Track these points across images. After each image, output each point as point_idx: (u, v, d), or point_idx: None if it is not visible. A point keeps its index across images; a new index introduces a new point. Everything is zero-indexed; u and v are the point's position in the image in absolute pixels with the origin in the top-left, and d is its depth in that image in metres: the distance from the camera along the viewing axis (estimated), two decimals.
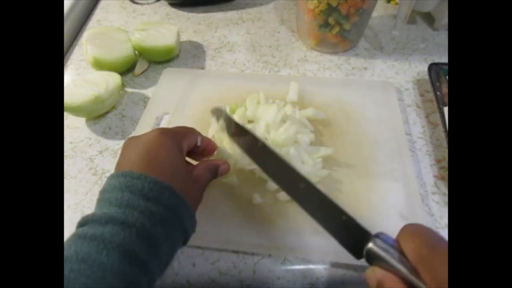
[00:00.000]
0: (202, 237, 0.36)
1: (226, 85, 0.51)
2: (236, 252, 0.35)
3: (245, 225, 0.36)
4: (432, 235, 0.23)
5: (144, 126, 0.46)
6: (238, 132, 0.36)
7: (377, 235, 0.25)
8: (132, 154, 0.29)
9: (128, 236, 0.24)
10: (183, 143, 0.32)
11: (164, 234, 0.26)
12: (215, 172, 0.35)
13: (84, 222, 0.26)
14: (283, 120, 0.42)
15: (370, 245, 0.25)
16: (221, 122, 0.37)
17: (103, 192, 0.28)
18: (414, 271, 0.22)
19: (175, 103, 0.49)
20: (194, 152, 0.36)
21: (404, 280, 0.23)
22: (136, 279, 0.24)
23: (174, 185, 0.28)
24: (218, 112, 0.38)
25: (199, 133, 0.36)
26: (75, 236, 0.24)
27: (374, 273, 0.24)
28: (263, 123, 0.42)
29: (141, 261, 0.24)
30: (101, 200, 0.27)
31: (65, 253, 0.23)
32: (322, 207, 0.29)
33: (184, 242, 0.29)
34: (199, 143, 0.35)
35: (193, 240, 0.35)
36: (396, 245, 0.24)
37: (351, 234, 0.27)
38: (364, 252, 0.25)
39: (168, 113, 0.48)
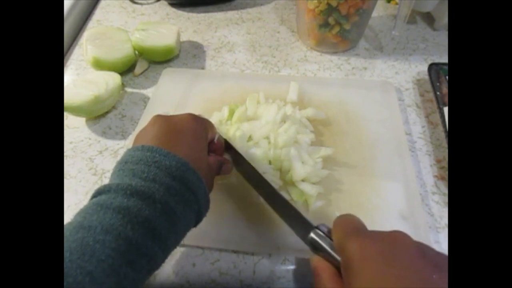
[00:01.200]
0: (202, 237, 0.36)
1: (226, 85, 0.51)
2: (236, 252, 0.35)
3: (245, 225, 0.36)
4: (352, 222, 0.26)
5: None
6: (228, 147, 0.38)
7: (318, 226, 0.28)
8: (160, 131, 0.30)
9: (153, 212, 0.24)
10: (208, 132, 0.33)
11: (184, 214, 0.27)
12: (219, 168, 0.35)
13: (103, 191, 0.25)
14: (283, 120, 0.42)
15: (311, 234, 0.27)
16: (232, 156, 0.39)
17: (124, 163, 0.27)
18: (338, 254, 0.25)
19: (175, 103, 0.49)
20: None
21: (335, 266, 0.25)
22: (155, 255, 0.24)
23: (196, 167, 0.28)
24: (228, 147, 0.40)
25: (217, 131, 0.36)
26: (96, 205, 0.24)
27: (313, 260, 0.26)
28: (263, 122, 0.42)
29: (162, 238, 0.24)
30: (122, 170, 0.27)
31: (85, 221, 0.23)
32: (283, 207, 0.32)
33: (195, 224, 0.30)
34: (215, 140, 0.36)
35: (193, 240, 0.35)
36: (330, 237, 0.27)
37: (300, 226, 0.30)
38: (308, 242, 0.28)
39: (168, 113, 0.47)
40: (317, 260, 0.26)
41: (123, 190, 0.25)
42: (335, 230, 0.26)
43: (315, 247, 0.27)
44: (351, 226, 0.25)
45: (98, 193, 0.26)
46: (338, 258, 0.25)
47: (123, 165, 0.27)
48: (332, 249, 0.26)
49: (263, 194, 0.35)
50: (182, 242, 0.35)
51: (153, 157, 0.27)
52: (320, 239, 0.27)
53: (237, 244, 0.35)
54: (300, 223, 0.30)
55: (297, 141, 0.41)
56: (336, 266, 0.25)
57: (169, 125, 0.30)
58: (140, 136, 0.31)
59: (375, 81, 0.51)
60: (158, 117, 0.32)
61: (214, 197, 0.39)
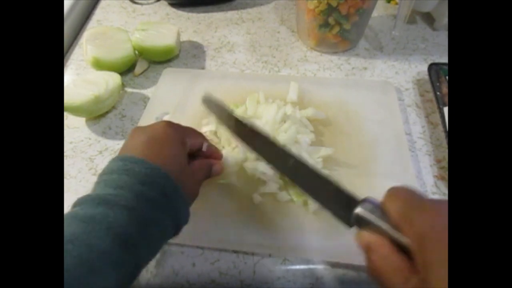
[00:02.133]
0: (202, 237, 0.36)
1: (226, 85, 0.51)
2: (236, 252, 0.35)
3: (245, 225, 0.36)
4: (412, 194, 0.24)
5: None
6: (227, 117, 0.36)
7: (364, 200, 0.26)
8: (136, 141, 0.30)
9: (120, 218, 0.24)
10: (186, 139, 0.33)
11: (156, 219, 0.26)
12: (209, 171, 0.36)
13: (77, 203, 0.26)
14: (283, 120, 0.42)
15: (358, 209, 0.25)
16: (213, 110, 0.38)
17: (101, 174, 0.28)
18: (397, 229, 0.23)
19: (175, 103, 0.49)
20: (199, 156, 0.36)
21: (391, 240, 0.23)
22: (124, 261, 0.24)
23: (171, 173, 0.28)
24: (208, 101, 0.39)
25: (206, 139, 0.36)
26: (67, 217, 0.24)
27: (363, 237, 0.24)
28: (263, 122, 0.42)
29: (131, 244, 0.24)
30: (97, 183, 0.28)
31: None
32: (311, 180, 0.30)
33: (175, 232, 0.29)
34: (204, 149, 0.36)
35: (193, 240, 0.35)
36: (381, 208, 0.25)
37: (340, 202, 0.28)
38: (353, 219, 0.26)
39: (168, 113, 0.48)
40: (368, 236, 0.24)
41: (91, 201, 0.25)
42: (394, 203, 0.23)
43: (364, 223, 0.25)
44: (415, 197, 0.23)
45: (74, 206, 0.26)
46: (388, 228, 0.23)
47: (100, 177, 0.28)
48: (383, 221, 0.23)
49: (286, 172, 0.32)
50: (182, 242, 0.35)
51: (124, 166, 0.27)
52: (372, 213, 0.24)
53: (237, 244, 0.35)
54: (340, 199, 0.27)
55: (297, 141, 0.41)
56: (387, 238, 0.23)
57: (144, 135, 0.31)
58: (122, 149, 0.31)
59: (375, 81, 0.51)
60: (135, 129, 0.32)
61: (214, 197, 0.39)
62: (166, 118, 0.47)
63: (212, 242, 0.36)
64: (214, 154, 0.38)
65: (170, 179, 0.28)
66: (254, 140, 0.34)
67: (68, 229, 0.23)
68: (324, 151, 0.40)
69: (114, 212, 0.24)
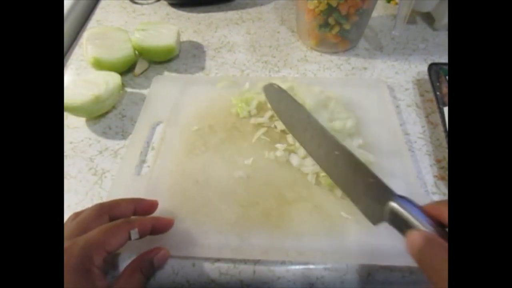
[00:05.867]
0: (202, 237, 0.36)
1: (217, 90, 0.50)
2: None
3: (245, 225, 0.36)
4: None
5: (138, 135, 0.46)
6: (285, 107, 0.35)
7: (402, 197, 0.25)
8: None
9: None
10: (94, 258, 0.26)
11: None
12: (152, 267, 0.31)
13: None
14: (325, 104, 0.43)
15: (393, 204, 0.25)
16: (271, 100, 0.38)
17: None
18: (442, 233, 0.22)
19: (168, 111, 0.48)
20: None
21: None
22: None
23: None
24: (268, 90, 0.39)
25: (130, 225, 0.29)
26: None
27: (417, 235, 0.22)
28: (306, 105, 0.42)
29: None
30: None
31: None
32: (351, 171, 0.29)
33: None
34: (133, 238, 0.29)
35: (193, 240, 0.35)
36: (423, 209, 0.24)
37: (377, 195, 0.27)
38: (387, 213, 0.25)
39: (162, 121, 0.47)
40: (426, 233, 0.22)
41: None
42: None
43: (398, 219, 0.24)
44: None
45: None
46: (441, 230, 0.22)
47: None
48: (425, 219, 0.23)
49: (316, 157, 0.31)
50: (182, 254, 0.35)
51: None
52: (410, 207, 0.24)
53: (237, 244, 0.35)
54: (377, 192, 0.27)
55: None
56: None
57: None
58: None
59: (368, 80, 0.51)
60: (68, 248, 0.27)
61: (214, 197, 0.39)
62: (160, 127, 0.46)
63: (212, 242, 0.35)
64: (148, 210, 0.32)
65: None
66: (305, 132, 0.33)
67: None
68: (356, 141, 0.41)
69: None
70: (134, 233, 0.29)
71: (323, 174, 0.38)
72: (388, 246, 0.34)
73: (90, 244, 0.27)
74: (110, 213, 0.31)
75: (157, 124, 0.47)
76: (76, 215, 0.32)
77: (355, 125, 0.43)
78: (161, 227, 0.33)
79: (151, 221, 0.32)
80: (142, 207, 0.33)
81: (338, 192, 0.38)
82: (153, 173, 0.41)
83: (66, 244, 0.26)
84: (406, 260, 0.33)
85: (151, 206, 0.34)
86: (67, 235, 0.28)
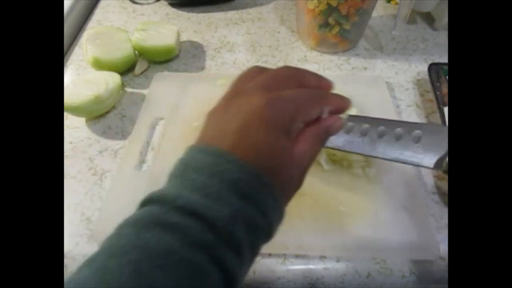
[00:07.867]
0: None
1: (216, 88, 0.50)
2: None
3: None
4: None
5: (138, 133, 0.46)
6: None
7: None
8: (226, 127, 0.24)
9: (218, 242, 0.20)
10: (293, 124, 0.24)
11: (251, 242, 0.21)
12: (327, 138, 0.27)
13: (157, 200, 0.21)
14: None
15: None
16: None
17: (185, 165, 0.23)
18: None
19: (170, 108, 0.48)
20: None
21: None
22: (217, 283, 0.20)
23: (271, 177, 0.22)
24: None
25: (327, 101, 0.27)
26: (150, 217, 0.20)
27: None
28: None
29: (228, 271, 0.20)
30: (181, 177, 0.22)
31: (139, 240, 0.19)
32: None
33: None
34: (325, 115, 0.26)
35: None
36: None
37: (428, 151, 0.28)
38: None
39: (163, 118, 0.47)
40: None
41: (181, 206, 0.20)
42: None
43: None
44: None
45: (150, 201, 0.21)
46: None
47: (183, 169, 0.23)
48: None
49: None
50: None
51: (216, 165, 0.21)
52: None
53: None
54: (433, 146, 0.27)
55: None
56: None
57: (238, 116, 0.24)
58: (203, 132, 0.25)
59: (367, 77, 0.52)
60: (230, 102, 0.25)
61: None
62: (161, 123, 0.47)
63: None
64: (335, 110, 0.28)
65: (272, 189, 0.22)
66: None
67: (160, 238, 0.19)
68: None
69: (211, 232, 0.20)
70: (325, 112, 0.26)
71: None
72: (386, 239, 0.34)
73: (298, 108, 0.25)
74: (299, 81, 0.27)
75: (158, 120, 0.47)
76: (261, 70, 0.28)
77: None
78: (337, 128, 0.28)
79: (328, 122, 0.27)
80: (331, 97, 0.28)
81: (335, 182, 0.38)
82: (154, 170, 0.41)
83: (261, 101, 0.24)
84: (404, 253, 0.33)
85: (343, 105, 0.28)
86: (259, 84, 0.26)
